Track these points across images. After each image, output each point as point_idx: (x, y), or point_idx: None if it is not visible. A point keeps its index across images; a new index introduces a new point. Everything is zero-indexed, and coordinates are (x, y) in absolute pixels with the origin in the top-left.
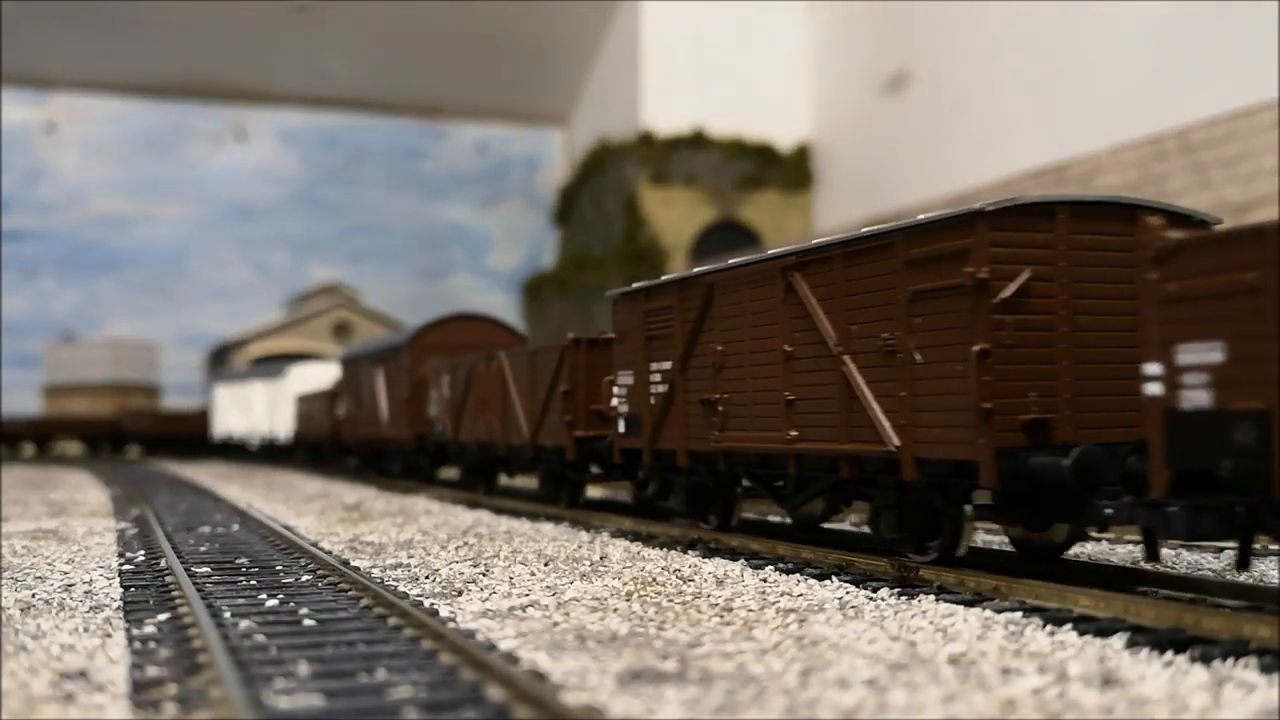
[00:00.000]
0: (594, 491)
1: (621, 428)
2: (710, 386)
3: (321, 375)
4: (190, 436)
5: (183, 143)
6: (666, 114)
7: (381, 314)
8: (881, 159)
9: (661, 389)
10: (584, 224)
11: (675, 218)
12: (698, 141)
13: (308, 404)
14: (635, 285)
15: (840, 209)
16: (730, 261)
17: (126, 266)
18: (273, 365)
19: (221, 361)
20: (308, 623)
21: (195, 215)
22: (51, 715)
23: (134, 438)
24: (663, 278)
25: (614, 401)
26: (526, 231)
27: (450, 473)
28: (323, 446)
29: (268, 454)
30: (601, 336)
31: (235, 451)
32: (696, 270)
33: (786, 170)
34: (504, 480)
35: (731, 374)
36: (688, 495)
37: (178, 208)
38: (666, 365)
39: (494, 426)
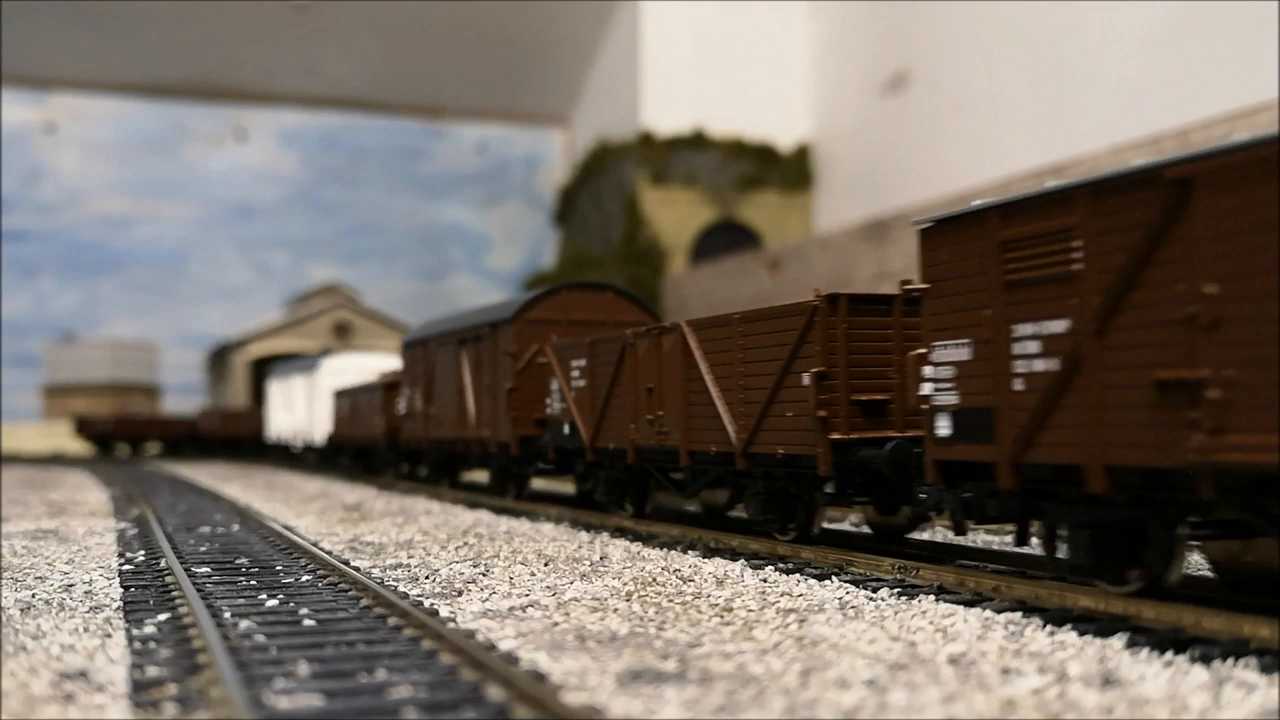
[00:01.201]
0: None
1: (944, 429)
2: (1180, 356)
3: (364, 366)
4: (254, 437)
5: (183, 143)
6: (666, 114)
7: (381, 314)
8: (881, 159)
9: (1042, 366)
10: (584, 224)
11: (675, 218)
12: (698, 141)
13: (350, 400)
14: (976, 204)
15: (840, 209)
16: (1241, 138)
17: (126, 266)
18: (311, 359)
19: (222, 361)
20: (308, 623)
21: (195, 215)
22: (51, 715)
23: (207, 438)
24: (1048, 184)
25: (927, 389)
26: (526, 231)
27: (539, 483)
28: (374, 451)
29: (295, 458)
30: (909, 289)
31: (286, 456)
32: (1142, 164)
33: (786, 170)
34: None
35: (1249, 332)
36: (1094, 541)
37: (178, 208)
38: (1055, 326)
39: (668, 427)
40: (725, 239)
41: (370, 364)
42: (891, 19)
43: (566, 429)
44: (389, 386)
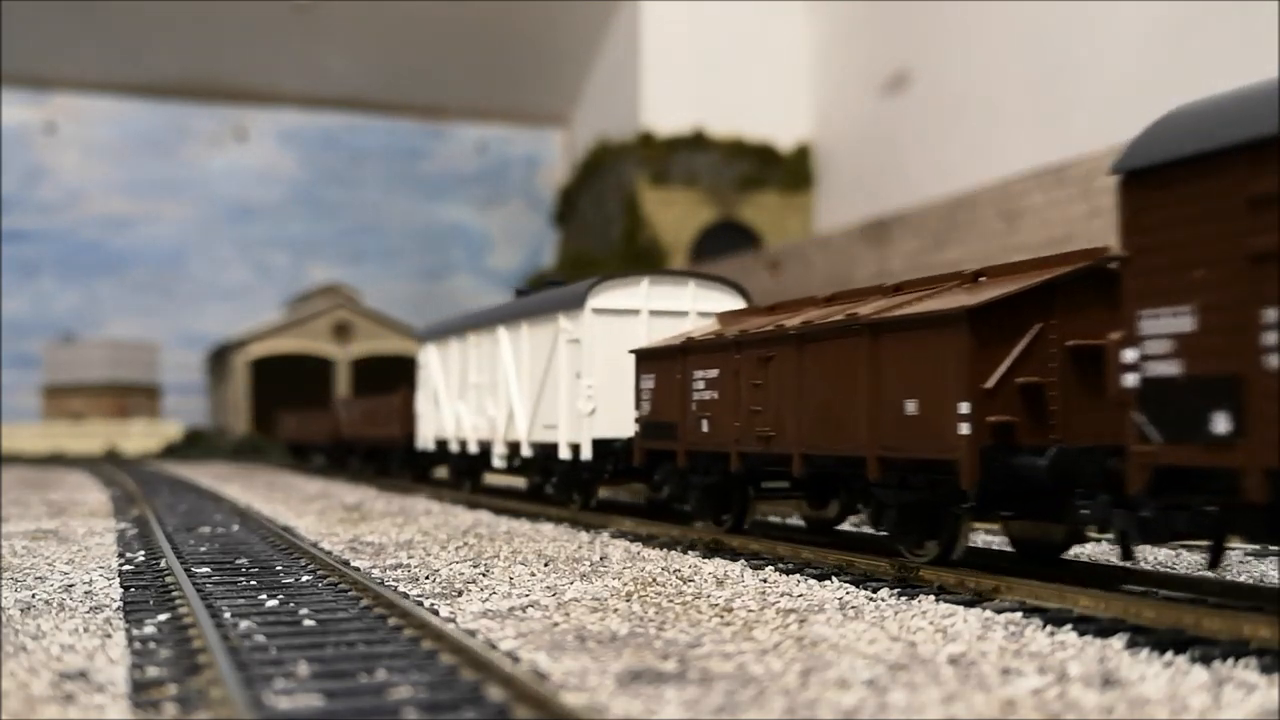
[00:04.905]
0: None
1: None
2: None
3: (661, 302)
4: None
5: (183, 143)
6: (666, 114)
7: (381, 314)
8: (881, 159)
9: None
10: (584, 224)
11: (675, 218)
12: (698, 141)
13: (735, 367)
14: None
15: (840, 209)
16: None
17: (126, 266)
18: (545, 293)
19: (222, 362)
20: (308, 623)
21: (195, 215)
22: (51, 715)
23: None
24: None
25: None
26: (526, 231)
27: None
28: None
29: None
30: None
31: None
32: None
33: (786, 170)
34: None
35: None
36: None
37: (178, 208)
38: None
39: None
40: (725, 239)
41: (677, 297)
42: (891, 19)
43: None
44: (998, 308)
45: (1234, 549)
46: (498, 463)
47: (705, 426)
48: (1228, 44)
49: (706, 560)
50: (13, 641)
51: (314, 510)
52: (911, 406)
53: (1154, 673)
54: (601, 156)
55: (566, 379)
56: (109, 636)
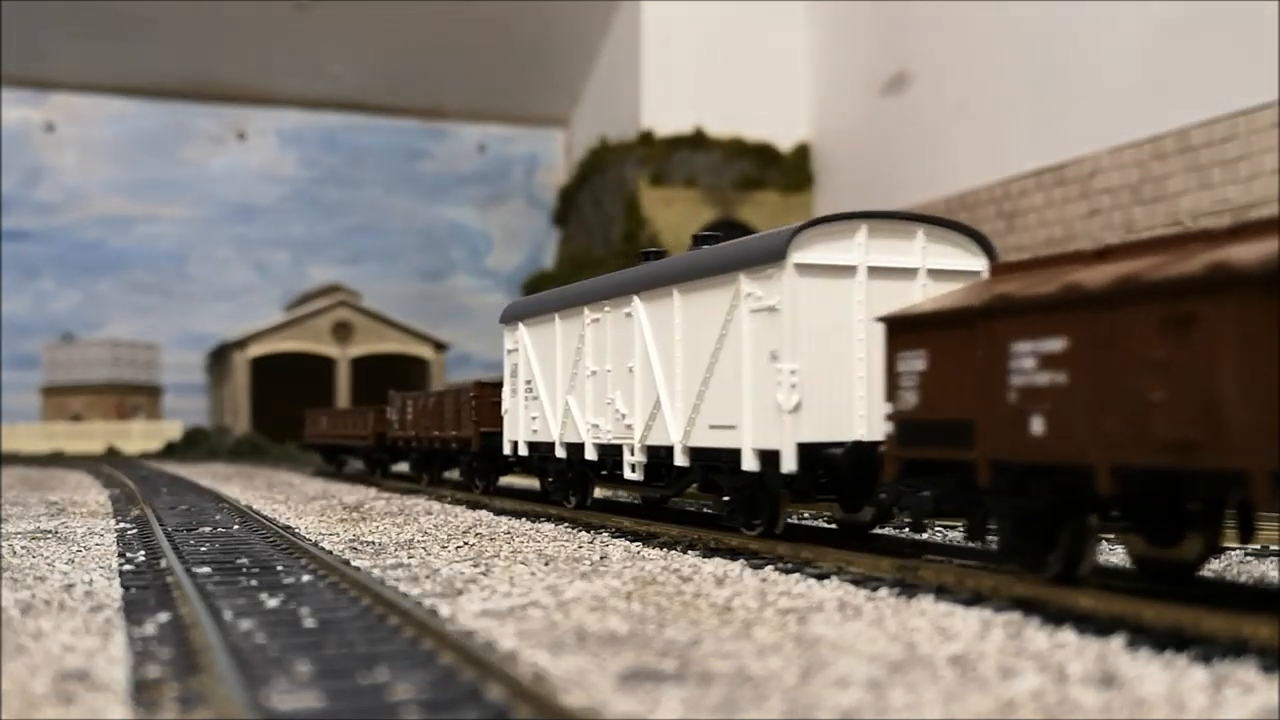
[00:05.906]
0: None
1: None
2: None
3: (886, 251)
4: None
5: (183, 143)
6: (666, 114)
7: (382, 314)
8: (881, 159)
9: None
10: (584, 224)
11: (675, 218)
12: (698, 141)
13: (1037, 338)
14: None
15: (840, 209)
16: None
17: (126, 266)
18: (710, 250)
19: (222, 361)
20: (308, 623)
21: (195, 215)
22: (51, 715)
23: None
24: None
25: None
26: (526, 231)
27: None
28: None
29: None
30: None
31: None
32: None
33: (786, 170)
34: None
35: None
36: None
37: (178, 208)
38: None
39: None
40: (725, 239)
41: (903, 250)
42: (891, 19)
43: None
44: None
45: (1234, 549)
46: (631, 474)
47: (1039, 426)
48: (1227, 45)
49: (706, 560)
50: (13, 641)
51: (314, 510)
52: None
53: (1154, 672)
54: (601, 156)
55: (752, 362)
56: (109, 636)
